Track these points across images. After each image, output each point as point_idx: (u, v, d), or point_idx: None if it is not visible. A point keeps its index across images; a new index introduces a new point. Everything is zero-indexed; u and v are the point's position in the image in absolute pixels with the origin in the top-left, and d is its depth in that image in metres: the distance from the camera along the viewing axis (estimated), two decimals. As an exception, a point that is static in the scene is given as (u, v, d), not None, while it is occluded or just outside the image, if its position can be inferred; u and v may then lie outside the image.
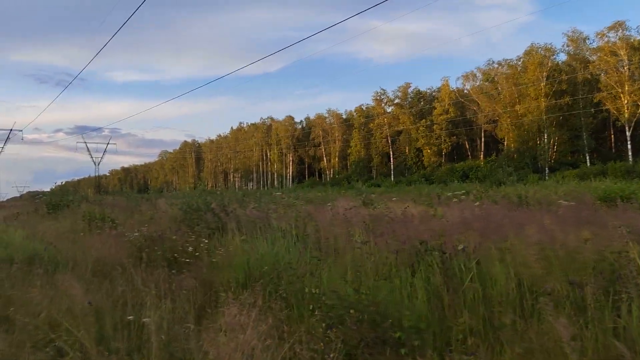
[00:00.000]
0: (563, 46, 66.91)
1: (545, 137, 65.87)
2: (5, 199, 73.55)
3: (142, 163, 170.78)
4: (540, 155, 66.26)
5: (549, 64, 66.41)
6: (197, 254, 7.29)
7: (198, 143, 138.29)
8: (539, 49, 67.03)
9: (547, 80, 65.55)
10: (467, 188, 31.70)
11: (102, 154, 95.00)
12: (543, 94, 65.32)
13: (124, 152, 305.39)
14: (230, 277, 5.83)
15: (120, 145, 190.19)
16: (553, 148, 67.99)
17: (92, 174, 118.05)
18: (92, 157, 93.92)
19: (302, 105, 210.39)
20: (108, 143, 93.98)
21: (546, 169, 65.40)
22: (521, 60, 70.93)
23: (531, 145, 69.03)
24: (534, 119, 66.57)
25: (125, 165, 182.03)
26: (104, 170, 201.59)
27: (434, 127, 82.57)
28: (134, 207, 16.23)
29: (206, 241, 7.74)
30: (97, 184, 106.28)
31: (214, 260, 6.89)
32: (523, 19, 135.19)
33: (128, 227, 10.63)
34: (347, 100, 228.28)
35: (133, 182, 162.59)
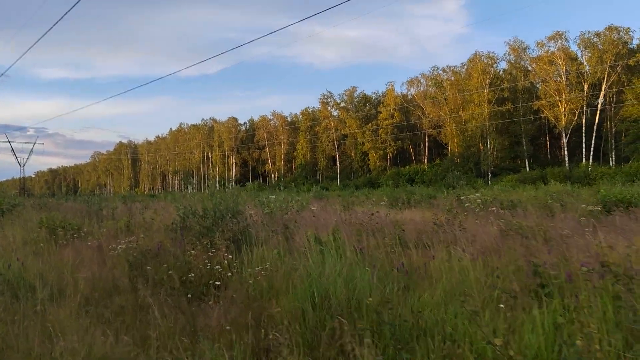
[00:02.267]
0: (505, 54, 69.24)
1: (488, 142, 67.81)
2: None
3: (72, 164, 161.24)
4: (483, 160, 68.11)
5: (492, 72, 68.50)
6: (229, 274, 5.81)
7: (134, 144, 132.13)
8: (482, 57, 68.97)
9: (489, 87, 67.53)
10: (429, 192, 31.54)
11: (27, 155, 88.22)
12: (486, 101, 67.22)
13: (51, 152, 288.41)
14: (289, 308, 4.47)
15: (47, 146, 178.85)
16: (494, 153, 70.10)
17: (16, 176, 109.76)
18: (16, 158, 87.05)
19: (243, 107, 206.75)
20: (35, 143, 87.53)
21: (489, 173, 67.35)
22: (465, 67, 72.80)
23: (474, 150, 70.86)
24: (478, 125, 68.36)
25: (53, 167, 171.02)
26: (29, 171, 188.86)
27: (380, 131, 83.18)
28: (96, 212, 14.13)
29: (230, 257, 6.25)
30: (22, 186, 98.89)
31: (250, 282, 5.46)
32: (458, 30, 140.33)
33: (104, 238, 8.89)
34: (289, 103, 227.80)
35: (62, 184, 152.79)
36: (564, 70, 62.69)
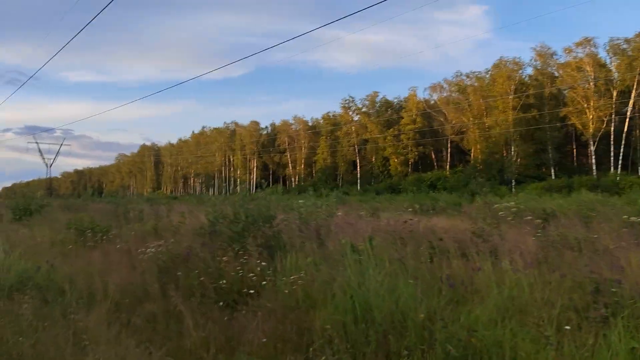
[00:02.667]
0: (531, 60, 68.12)
1: (513, 149, 66.63)
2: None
3: (97, 166, 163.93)
4: (507, 167, 66.95)
5: (517, 78, 67.43)
6: (263, 282, 5.59)
7: (157, 147, 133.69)
8: (507, 63, 67.97)
9: (514, 93, 66.44)
10: (454, 199, 30.98)
11: (54, 156, 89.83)
12: (511, 107, 66.13)
13: (77, 154, 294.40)
14: (329, 321, 4.22)
15: (73, 147, 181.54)
16: (518, 161, 68.84)
17: (43, 176, 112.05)
18: (44, 159, 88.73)
19: (264, 111, 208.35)
20: (62, 144, 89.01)
21: (513, 181, 66.15)
22: (489, 73, 71.81)
23: (498, 157, 69.72)
24: (502, 132, 67.28)
25: (79, 168, 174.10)
26: (55, 172, 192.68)
27: (402, 136, 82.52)
28: (123, 214, 14.10)
29: (264, 264, 6.03)
30: (49, 186, 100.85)
31: (286, 291, 5.23)
32: (481, 35, 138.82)
33: (132, 241, 8.78)
34: (310, 108, 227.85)
35: (87, 185, 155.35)
36: (593, 77, 61.35)
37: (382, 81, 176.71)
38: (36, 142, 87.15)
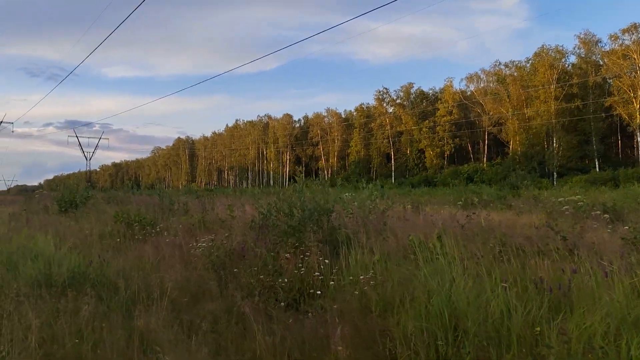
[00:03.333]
0: (574, 48, 65.62)
1: (555, 141, 64.38)
2: (-8, 193, 70.28)
3: (134, 159, 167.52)
4: (549, 159, 64.81)
5: (560, 67, 65.03)
6: (331, 282, 5.17)
7: (192, 140, 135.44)
8: (550, 51, 65.61)
9: (557, 82, 64.11)
10: (497, 192, 29.96)
11: (93, 149, 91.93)
12: (553, 97, 63.88)
13: (114, 147, 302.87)
14: (411, 329, 3.75)
15: (111, 141, 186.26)
16: (559, 152, 66.57)
17: (82, 169, 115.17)
18: (83, 152, 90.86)
19: (297, 105, 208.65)
20: (100, 137, 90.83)
21: (554, 173, 64.03)
22: (530, 62, 69.52)
23: (538, 149, 67.58)
24: (543, 123, 65.08)
25: (116, 161, 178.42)
26: (94, 165, 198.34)
27: (437, 128, 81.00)
28: (168, 206, 13.92)
29: (327, 261, 5.61)
30: (88, 179, 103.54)
31: (356, 292, 4.79)
32: (518, 24, 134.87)
33: (181, 234, 8.51)
34: (343, 101, 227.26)
35: (124, 177, 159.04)
36: (640, 65, 58.64)
37: (415, 73, 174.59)
38: (76, 136, 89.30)
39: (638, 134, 59.68)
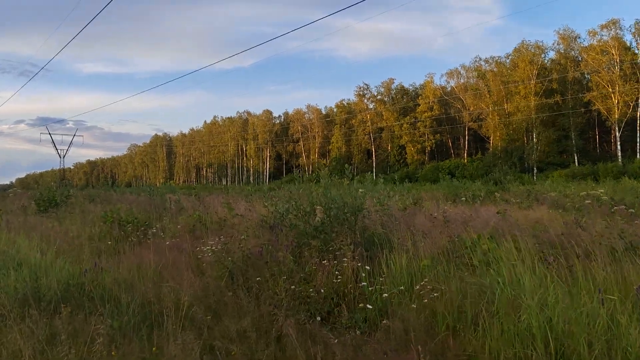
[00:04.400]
0: (554, 44, 66.21)
1: (534, 136, 64.90)
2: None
3: (109, 156, 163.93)
4: (529, 154, 65.34)
5: (540, 62, 65.53)
6: (381, 293, 4.43)
7: (169, 137, 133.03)
8: (529, 47, 66.04)
9: (537, 78, 64.57)
10: (487, 187, 29.70)
11: (67, 147, 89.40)
12: (533, 92, 64.33)
13: (88, 145, 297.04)
14: (493, 352, 3.09)
15: (85, 138, 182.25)
16: (538, 148, 67.14)
17: (55, 167, 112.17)
18: (57, 150, 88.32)
19: (276, 101, 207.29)
20: (74, 135, 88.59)
21: (534, 168, 64.58)
22: (509, 57, 69.93)
23: (518, 144, 68.09)
24: (524, 118, 65.53)
25: (91, 159, 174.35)
26: (68, 163, 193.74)
27: (418, 124, 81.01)
28: (160, 205, 12.93)
29: (367, 267, 4.87)
30: (62, 177, 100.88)
31: (413, 306, 4.08)
32: (494, 21, 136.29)
33: (182, 236, 7.67)
34: (322, 97, 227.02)
35: (100, 175, 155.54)
36: (618, 61, 59.36)
37: (394, 70, 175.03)
38: (49, 133, 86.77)
39: (616, 128, 60.46)
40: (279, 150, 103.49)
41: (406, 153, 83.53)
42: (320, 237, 5.59)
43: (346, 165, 6.92)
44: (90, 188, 66.40)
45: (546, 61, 67.02)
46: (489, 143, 73.89)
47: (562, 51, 65.58)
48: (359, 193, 5.94)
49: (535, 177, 60.72)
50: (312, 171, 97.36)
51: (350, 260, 4.91)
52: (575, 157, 63.77)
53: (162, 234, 8.40)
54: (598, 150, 70.30)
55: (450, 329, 3.74)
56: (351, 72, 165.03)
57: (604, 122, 64.17)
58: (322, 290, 4.61)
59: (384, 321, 3.97)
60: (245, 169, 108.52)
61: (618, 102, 59.26)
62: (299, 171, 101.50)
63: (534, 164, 64.91)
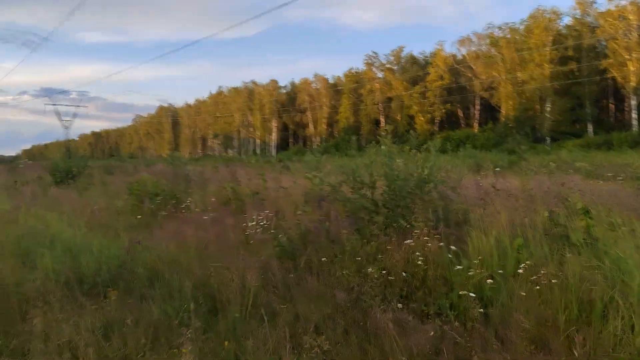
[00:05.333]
0: (570, 9, 64.25)
1: (548, 105, 63.58)
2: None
3: (114, 128, 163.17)
4: (542, 124, 64.22)
5: (555, 29, 63.72)
6: (488, 279, 3.86)
7: (175, 108, 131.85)
8: (545, 12, 64.13)
9: (552, 45, 62.86)
10: (505, 158, 29.02)
11: (72, 118, 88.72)
12: (548, 60, 62.74)
13: (93, 116, 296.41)
14: None
15: (89, 109, 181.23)
16: (552, 117, 65.93)
17: (60, 138, 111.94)
18: (61, 121, 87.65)
19: (281, 71, 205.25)
20: (78, 106, 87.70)
21: (547, 138, 63.54)
22: (524, 24, 67.98)
23: (531, 113, 66.90)
24: (537, 86, 64.13)
25: (95, 130, 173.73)
26: (73, 134, 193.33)
27: (428, 93, 79.64)
28: (184, 176, 12.36)
29: (453, 248, 4.30)
30: (67, 148, 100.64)
31: (522, 293, 3.51)
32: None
33: (216, 210, 7.12)
34: (327, 67, 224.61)
35: (104, 147, 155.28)
36: (636, 26, 57.55)
37: (400, 38, 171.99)
38: (53, 104, 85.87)
39: (632, 97, 59.14)
40: (285, 121, 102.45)
41: (415, 123, 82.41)
42: (383, 212, 5.03)
43: (411, 132, 6.31)
44: (96, 159, 66.04)
45: (561, 28, 65.20)
46: (500, 113, 72.67)
47: (579, 17, 63.62)
48: (422, 162, 5.38)
49: (549, 147, 59.83)
50: (320, 142, 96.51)
51: (429, 238, 4.35)
52: (590, 127, 62.62)
53: (195, 207, 7.90)
54: (612, 119, 69.05)
55: (574, 325, 3.20)
56: (357, 41, 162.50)
57: (619, 90, 62.79)
58: (404, 273, 4.08)
59: (479, 310, 3.45)
60: (251, 140, 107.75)
61: (635, 70, 57.76)
62: (306, 142, 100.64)
63: (548, 134, 63.86)
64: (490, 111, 78.20)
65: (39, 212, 7.65)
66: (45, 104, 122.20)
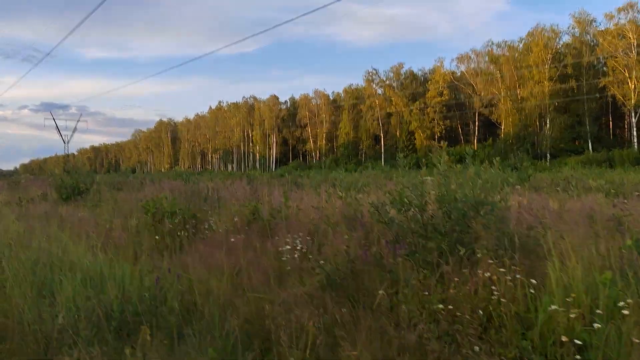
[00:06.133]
0: (569, 28, 64.70)
1: (548, 122, 63.65)
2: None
3: (113, 142, 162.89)
4: (542, 141, 64.26)
5: (554, 46, 64.09)
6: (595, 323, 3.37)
7: (174, 122, 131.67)
8: (544, 31, 64.55)
9: (551, 63, 63.16)
10: (511, 175, 28.63)
11: (72, 132, 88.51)
12: (547, 77, 62.99)
13: (92, 130, 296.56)
14: None
15: (88, 124, 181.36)
16: (552, 134, 66.00)
17: (59, 153, 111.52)
18: (61, 135, 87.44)
19: (280, 87, 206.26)
20: (78, 120, 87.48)
21: (547, 155, 63.51)
22: (522, 42, 68.42)
23: (531, 130, 66.98)
24: (537, 103, 64.29)
25: (95, 144, 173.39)
26: (72, 149, 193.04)
27: (428, 109, 79.74)
28: (197, 193, 11.81)
29: (533, 282, 3.79)
30: (66, 162, 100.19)
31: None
32: (500, 7, 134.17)
33: (242, 230, 6.64)
34: (327, 83, 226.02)
35: (104, 161, 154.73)
36: (635, 45, 57.92)
37: (399, 55, 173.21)
38: (53, 119, 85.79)
39: (632, 114, 59.30)
40: (285, 136, 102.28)
41: (415, 139, 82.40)
42: (436, 237, 4.57)
43: (468, 149, 5.96)
44: (94, 174, 65.52)
45: (560, 46, 65.57)
46: (500, 129, 72.74)
47: (577, 35, 64.04)
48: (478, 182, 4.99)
49: (549, 164, 59.72)
50: (319, 157, 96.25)
51: (499, 269, 3.88)
52: (589, 144, 62.64)
53: (217, 227, 7.43)
54: (611, 137, 69.17)
55: None
56: (356, 58, 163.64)
57: (618, 107, 62.99)
58: (480, 311, 3.60)
59: (576, 358, 3.00)
60: (251, 154, 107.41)
61: (635, 88, 57.99)
62: (306, 157, 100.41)
63: (547, 151, 63.83)
64: (489, 127, 78.29)
65: (52, 233, 7.20)
66: (45, 119, 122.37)
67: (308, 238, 5.68)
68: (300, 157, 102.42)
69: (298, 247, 5.41)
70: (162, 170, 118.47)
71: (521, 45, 68.82)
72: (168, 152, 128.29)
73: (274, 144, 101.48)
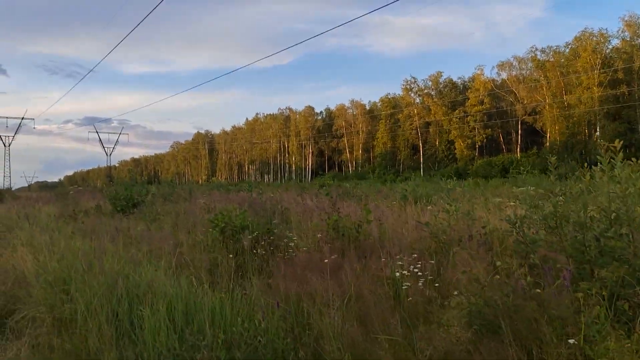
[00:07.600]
0: (618, 31, 62.00)
1: (598, 129, 60.90)
2: (14, 189, 68.91)
3: (152, 154, 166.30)
4: (592, 149, 61.46)
5: (603, 51, 61.45)
6: None
7: (211, 134, 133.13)
8: (592, 35, 62.04)
9: (601, 68, 60.54)
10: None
11: (114, 145, 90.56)
12: (596, 83, 60.36)
13: (132, 143, 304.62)
14: None
15: (129, 137, 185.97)
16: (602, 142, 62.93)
17: (101, 165, 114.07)
18: (104, 148, 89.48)
19: (315, 98, 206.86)
20: (120, 133, 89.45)
21: (598, 164, 60.67)
22: (569, 47, 65.91)
23: (579, 138, 64.26)
24: (586, 110, 61.65)
25: (135, 157, 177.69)
26: (113, 161, 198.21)
27: (468, 118, 77.71)
28: (263, 206, 11.02)
29: None
30: (109, 174, 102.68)
31: None
32: (536, 14, 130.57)
33: (324, 249, 5.79)
34: (361, 93, 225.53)
35: (143, 173, 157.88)
36: (691, 47, 55.06)
37: (433, 64, 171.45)
38: (96, 132, 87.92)
39: (689, 120, 56.22)
40: (321, 147, 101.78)
41: (455, 148, 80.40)
42: (611, 264, 3.62)
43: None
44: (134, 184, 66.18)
45: (609, 50, 62.87)
46: (545, 137, 70.18)
47: (628, 39, 61.27)
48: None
49: (598, 173, 57.04)
50: (356, 167, 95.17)
51: None
52: (643, 152, 59.62)
53: (298, 244, 6.64)
54: (665, 145, 65.78)
55: None
56: (389, 68, 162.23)
57: (675, 113, 59.87)
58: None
59: None
60: (287, 165, 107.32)
61: (692, 92, 55.02)
62: (342, 168, 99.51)
63: (598, 159, 61.06)
64: (532, 135, 75.69)
65: (122, 251, 6.54)
66: (89, 132, 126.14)
67: (422, 261, 4.78)
68: (336, 168, 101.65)
69: (416, 272, 4.53)
70: (200, 181, 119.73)
71: (567, 51, 66.40)
72: (205, 164, 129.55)
73: (310, 155, 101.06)
